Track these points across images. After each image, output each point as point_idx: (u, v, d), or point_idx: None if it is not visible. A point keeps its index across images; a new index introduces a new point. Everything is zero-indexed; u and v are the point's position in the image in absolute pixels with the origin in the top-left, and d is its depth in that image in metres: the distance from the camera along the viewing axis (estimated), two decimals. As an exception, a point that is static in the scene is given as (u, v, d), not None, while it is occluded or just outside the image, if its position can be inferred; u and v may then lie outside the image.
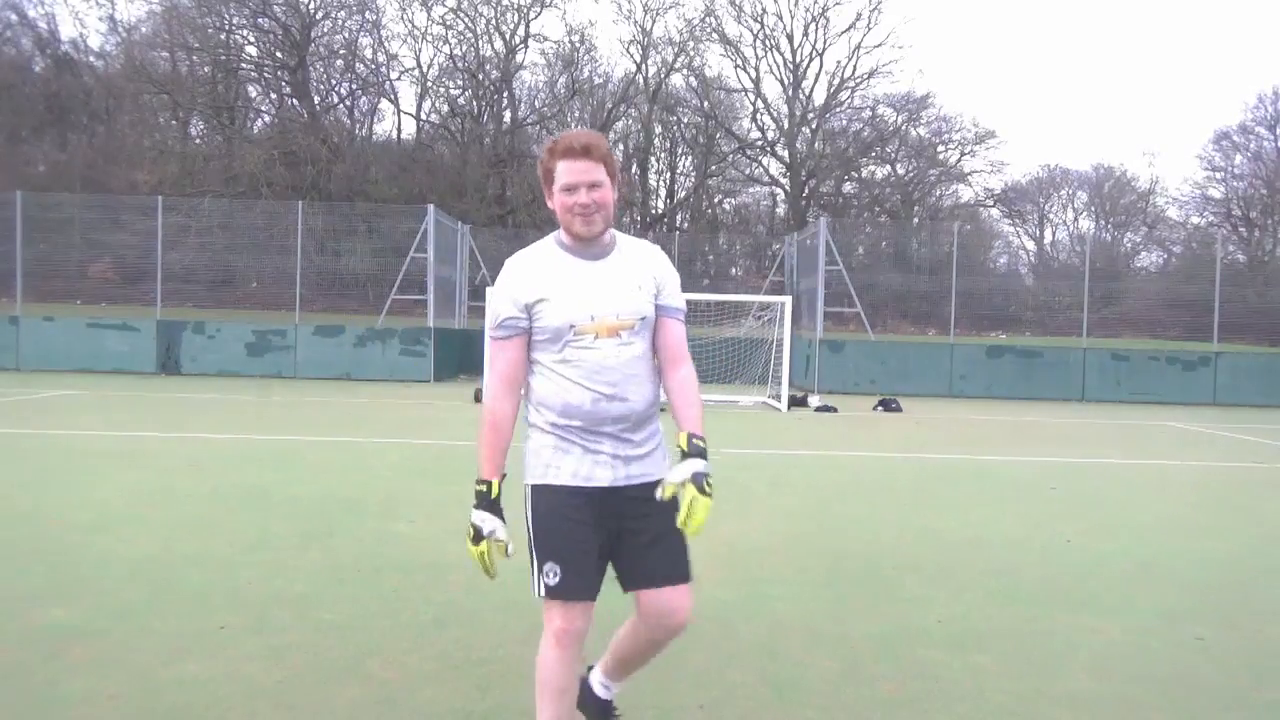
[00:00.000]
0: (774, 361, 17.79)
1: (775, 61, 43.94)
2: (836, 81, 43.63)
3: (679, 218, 43.95)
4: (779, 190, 45.52)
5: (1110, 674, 3.60)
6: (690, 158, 44.70)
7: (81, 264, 24.10)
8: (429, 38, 40.98)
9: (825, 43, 43.17)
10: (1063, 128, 72.70)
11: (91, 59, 39.90)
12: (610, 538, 2.44)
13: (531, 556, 2.52)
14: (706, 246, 34.54)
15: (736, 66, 44.01)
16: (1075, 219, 49.88)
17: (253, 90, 40.17)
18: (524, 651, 3.65)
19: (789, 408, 16.45)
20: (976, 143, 44.72)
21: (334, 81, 40.22)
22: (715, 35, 42.74)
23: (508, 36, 39.66)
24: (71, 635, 3.67)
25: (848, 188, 45.75)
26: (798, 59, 43.37)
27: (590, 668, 2.72)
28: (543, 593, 2.46)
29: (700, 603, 4.28)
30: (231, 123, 38.41)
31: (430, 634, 3.82)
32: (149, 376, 19.73)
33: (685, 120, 43.99)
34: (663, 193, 45.32)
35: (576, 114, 41.96)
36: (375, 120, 42.44)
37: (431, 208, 22.00)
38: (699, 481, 2.26)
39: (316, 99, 39.33)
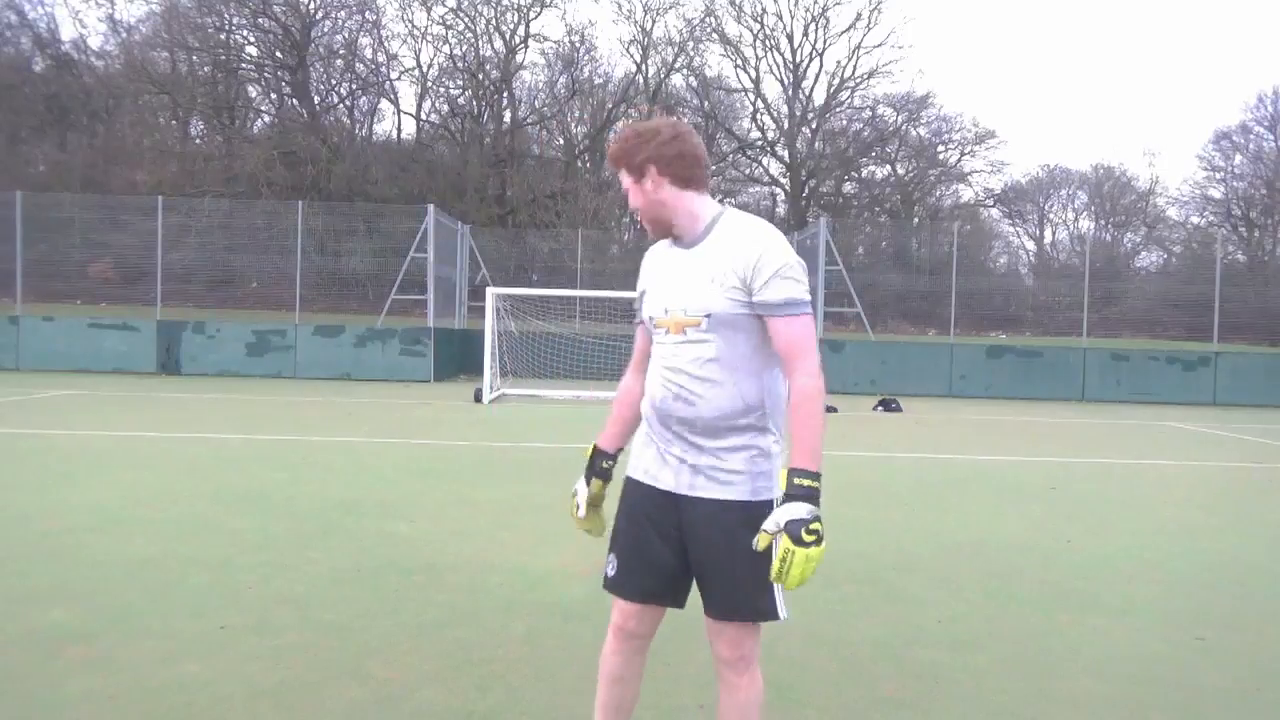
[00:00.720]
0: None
1: (775, 61, 44.01)
2: (836, 81, 43.72)
3: (679, 217, 43.87)
4: (779, 190, 45.59)
5: (1111, 674, 3.60)
6: (690, 157, 44.66)
7: (81, 264, 24.09)
8: (429, 38, 41.01)
9: (825, 43, 43.24)
10: (1063, 128, 72.76)
11: (91, 59, 39.94)
12: (678, 540, 2.25)
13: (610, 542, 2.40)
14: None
15: (736, 66, 44.08)
16: (1075, 219, 49.94)
17: (253, 90, 40.22)
18: (524, 651, 3.65)
19: (789, 408, 16.43)
20: (976, 143, 44.81)
21: (334, 81, 40.26)
22: (715, 35, 42.81)
23: (508, 36, 39.69)
24: (71, 636, 3.66)
25: (848, 188, 45.79)
26: (798, 59, 43.43)
27: None
28: (603, 581, 2.38)
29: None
30: (231, 123, 38.41)
31: (430, 634, 3.82)
32: (149, 376, 19.73)
33: (685, 120, 43.96)
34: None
35: (576, 114, 42.01)
36: (375, 120, 42.51)
37: (431, 208, 22.00)
38: (794, 531, 2.04)
39: (316, 99, 39.37)
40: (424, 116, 41.59)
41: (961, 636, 3.99)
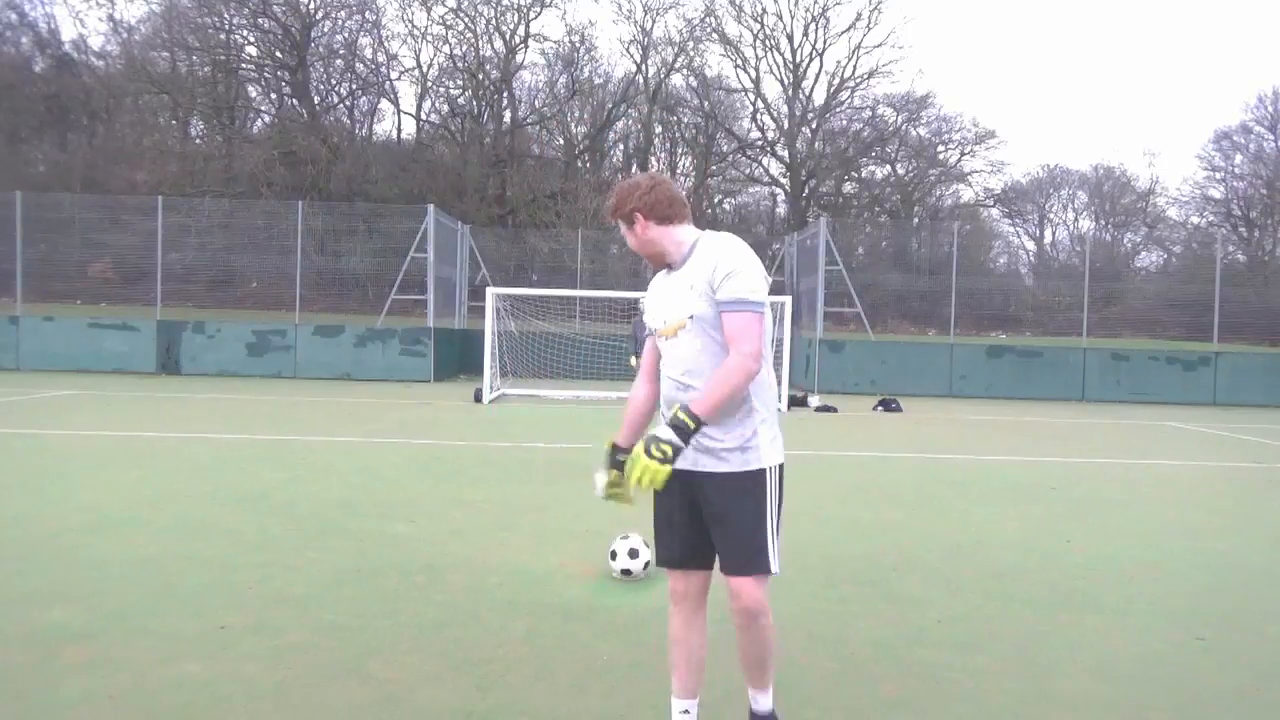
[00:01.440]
0: (773, 361, 17.78)
1: (775, 61, 44.01)
2: (836, 81, 43.72)
3: (679, 218, 43.87)
4: (779, 190, 45.59)
5: (1111, 675, 3.60)
6: (690, 158, 44.74)
7: (81, 264, 24.08)
8: (429, 38, 40.99)
9: (825, 43, 43.25)
10: (1063, 128, 72.74)
11: (91, 59, 39.94)
12: (695, 512, 2.69)
13: None
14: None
15: (736, 66, 44.09)
16: (1075, 219, 49.95)
17: (253, 90, 40.20)
18: (524, 651, 3.65)
19: (789, 408, 16.44)
20: (976, 143, 44.80)
21: (334, 81, 40.26)
22: (715, 35, 42.81)
23: (508, 36, 39.69)
24: (71, 636, 3.66)
25: (848, 188, 45.79)
26: (798, 59, 43.43)
27: (752, 698, 2.86)
28: (658, 557, 2.86)
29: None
30: (231, 123, 38.41)
31: (430, 634, 3.82)
32: (149, 376, 19.73)
33: (685, 120, 44.01)
34: (663, 193, 45.27)
35: (576, 114, 42.01)
36: (375, 120, 42.50)
37: (431, 208, 22.00)
38: (646, 443, 2.45)
39: (316, 99, 39.36)
40: (424, 116, 41.65)
41: (961, 636, 4.00)
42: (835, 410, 16.36)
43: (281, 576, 4.59)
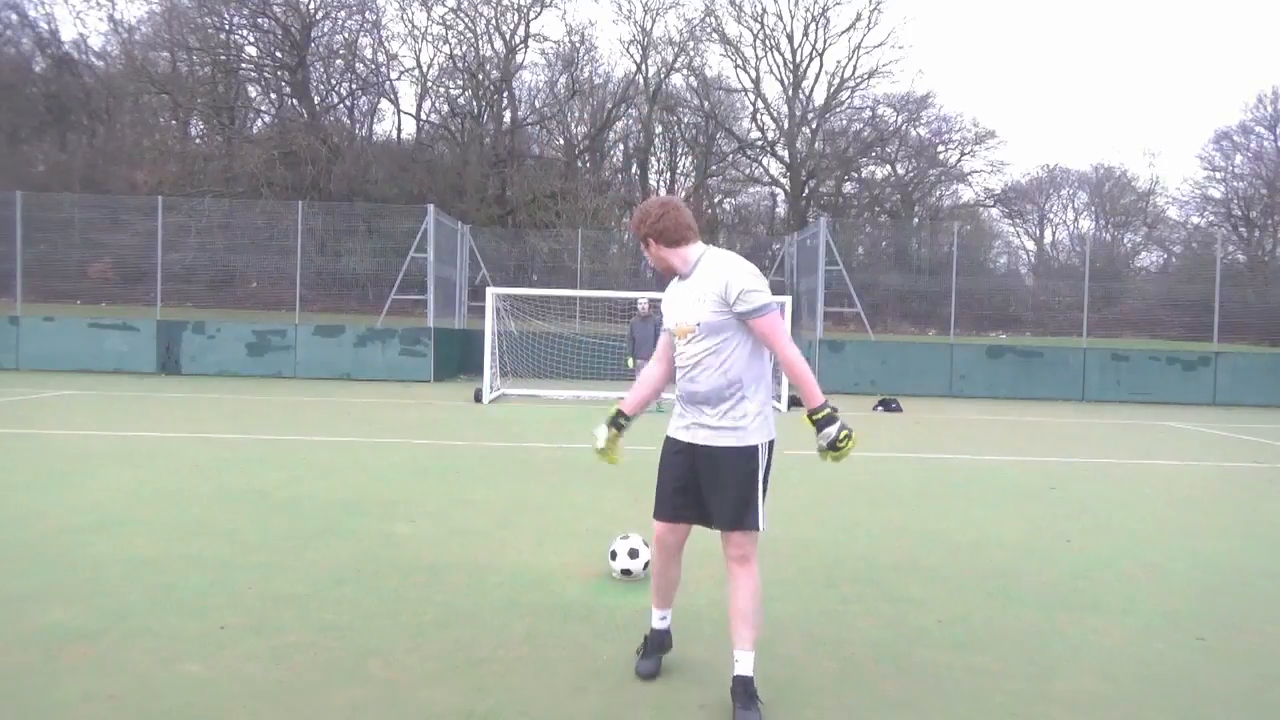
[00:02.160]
0: (773, 361, 17.78)
1: (775, 61, 44.02)
2: (836, 81, 43.71)
3: (679, 218, 43.86)
4: (779, 190, 45.58)
5: (1111, 674, 3.60)
6: (690, 158, 44.74)
7: (81, 264, 24.10)
8: (429, 38, 41.13)
9: (825, 43, 43.25)
10: (1063, 128, 72.71)
11: (92, 59, 39.94)
12: (696, 479, 3.24)
13: None
14: (706, 246, 34.49)
15: (736, 66, 44.10)
16: (1075, 219, 49.95)
17: (253, 90, 40.19)
18: (524, 651, 3.65)
19: (789, 408, 16.44)
20: (976, 143, 44.80)
21: (334, 81, 40.24)
22: (715, 35, 42.83)
23: (508, 36, 39.69)
24: (71, 636, 3.67)
25: (848, 188, 45.79)
26: (798, 59, 43.43)
27: (735, 659, 3.25)
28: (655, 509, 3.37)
29: (700, 603, 4.30)
30: (231, 123, 38.40)
31: (430, 634, 3.82)
32: (149, 376, 19.73)
33: (685, 120, 44.02)
34: (663, 192, 45.32)
35: (576, 114, 42.00)
36: (375, 120, 42.51)
37: (431, 208, 22.00)
38: (831, 443, 3.19)
39: (316, 99, 39.34)
40: (424, 116, 41.64)
41: (961, 637, 4.00)
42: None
43: (281, 576, 4.59)
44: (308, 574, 4.66)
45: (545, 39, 41.77)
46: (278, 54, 38.14)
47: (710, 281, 3.16)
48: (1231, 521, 6.94)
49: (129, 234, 23.28)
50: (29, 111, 36.72)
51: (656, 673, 3.43)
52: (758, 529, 3.19)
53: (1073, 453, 11.06)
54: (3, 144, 34.96)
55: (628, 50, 44.02)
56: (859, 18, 43.02)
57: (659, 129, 43.65)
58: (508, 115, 40.80)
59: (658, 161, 44.77)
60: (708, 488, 3.20)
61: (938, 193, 46.35)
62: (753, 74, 43.70)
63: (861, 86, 43.73)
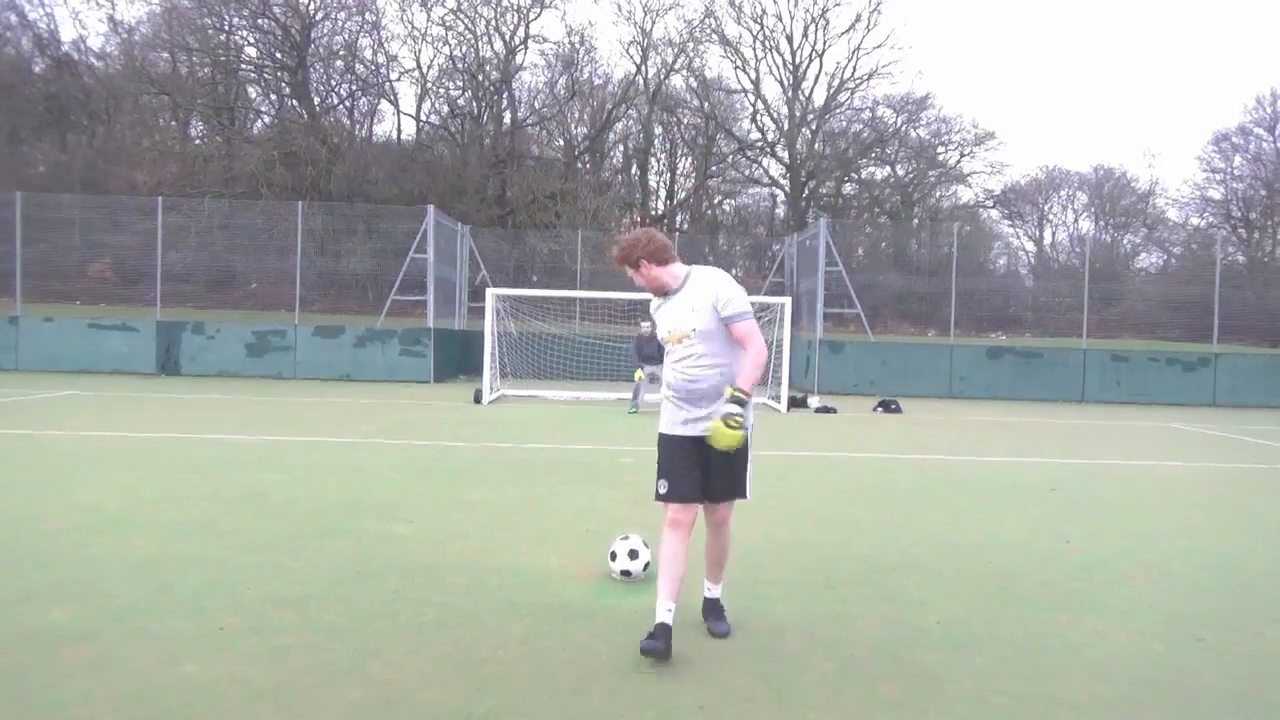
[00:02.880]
0: (774, 362, 17.80)
1: (775, 62, 44.02)
2: (836, 82, 43.71)
3: (679, 219, 43.96)
4: (779, 191, 45.56)
5: (1111, 676, 3.60)
6: (690, 158, 44.73)
7: (81, 264, 24.10)
8: (429, 38, 41.15)
9: (825, 44, 43.24)
10: (1063, 128, 72.72)
11: (91, 60, 39.93)
12: (702, 463, 3.74)
13: (657, 473, 3.82)
14: (706, 247, 34.55)
15: (736, 67, 44.09)
16: (1075, 220, 49.94)
17: (252, 91, 40.16)
18: (524, 652, 3.65)
19: (789, 409, 16.44)
20: (976, 144, 44.81)
21: (334, 82, 40.21)
22: (715, 36, 42.80)
23: (507, 37, 39.68)
24: (69, 637, 3.66)
25: (847, 189, 45.79)
26: (797, 60, 43.43)
27: (708, 589, 4.05)
28: (657, 496, 3.78)
29: (700, 604, 4.30)
30: (231, 123, 38.38)
31: (430, 635, 3.82)
32: (149, 377, 19.73)
33: (685, 121, 44.01)
34: (662, 194, 45.37)
35: (576, 115, 41.99)
36: (375, 121, 42.46)
37: (431, 208, 22.01)
38: (726, 417, 3.54)
39: (316, 100, 39.32)
40: (424, 117, 41.62)
41: (961, 637, 3.99)
42: (835, 411, 16.36)
43: (281, 577, 4.59)
44: (307, 575, 4.65)
45: (545, 40, 41.81)
46: (277, 55, 38.14)
47: (702, 293, 3.71)
48: (1231, 522, 6.94)
49: (129, 234, 23.29)
50: (29, 112, 36.72)
51: (668, 656, 3.55)
52: (747, 498, 3.87)
53: (1073, 454, 11.06)
54: (3, 144, 34.95)
55: (627, 51, 44.10)
56: (858, 19, 43.10)
57: (659, 130, 43.66)
58: (507, 116, 40.80)
59: (657, 162, 44.80)
60: (715, 469, 3.73)
61: (937, 194, 46.38)
62: (752, 75, 43.75)
63: (861, 87, 43.78)
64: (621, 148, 44.05)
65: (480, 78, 39.53)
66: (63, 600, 4.12)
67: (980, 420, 15.64)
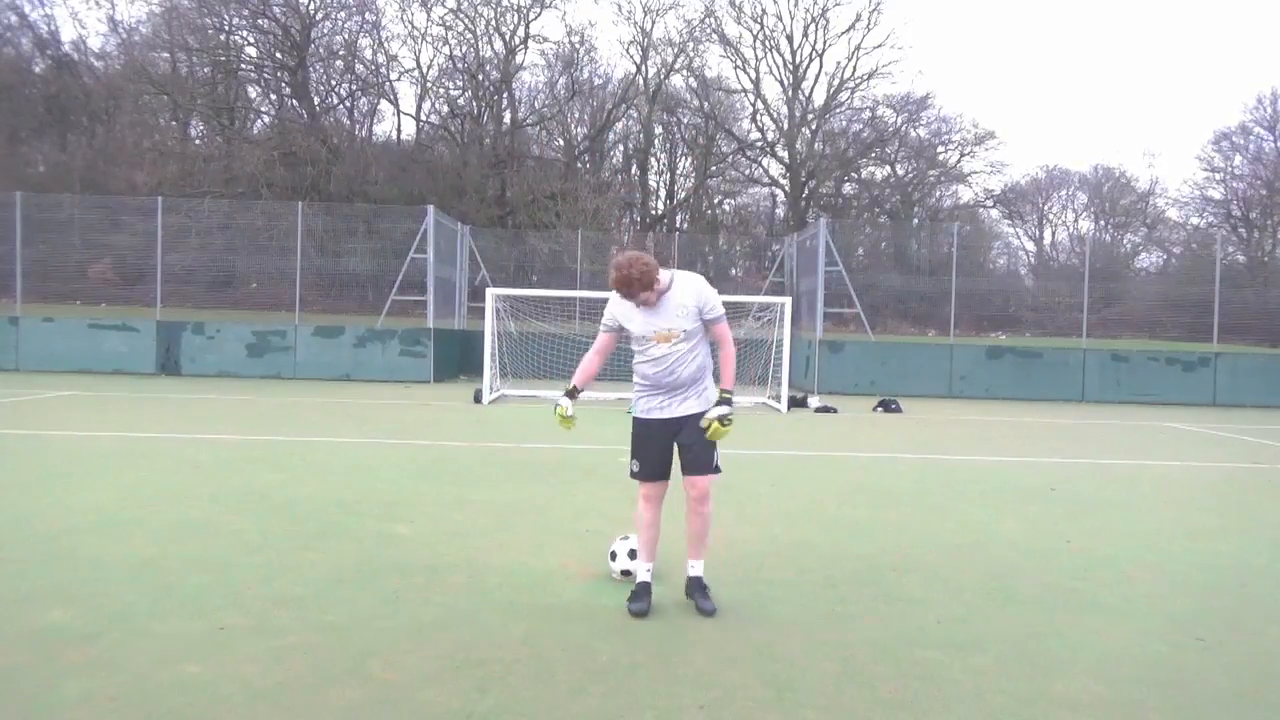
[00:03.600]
0: (774, 362, 17.80)
1: (775, 62, 44.02)
2: (836, 82, 43.72)
3: (679, 218, 43.99)
4: (779, 191, 45.58)
5: (1111, 676, 3.60)
6: (690, 158, 44.73)
7: (81, 264, 24.09)
8: (429, 38, 41.08)
9: (825, 44, 43.25)
10: (1063, 128, 72.74)
11: (91, 60, 39.95)
12: (672, 444, 4.29)
13: (630, 454, 4.37)
14: (706, 247, 34.54)
15: (736, 67, 44.11)
16: (1075, 220, 49.95)
17: (252, 91, 40.17)
18: (524, 652, 3.65)
19: (789, 409, 16.44)
20: (976, 144, 44.83)
21: (334, 82, 40.21)
22: (715, 36, 42.82)
23: (507, 37, 39.68)
24: (70, 637, 3.66)
25: (847, 188, 45.80)
26: (797, 60, 43.43)
27: (690, 566, 4.39)
28: (631, 474, 4.38)
29: (695, 620, 4.29)
30: (231, 124, 38.38)
31: (430, 635, 3.82)
32: (149, 377, 19.73)
33: (685, 121, 44.02)
34: (662, 193, 45.40)
35: (576, 115, 42.00)
36: (375, 121, 42.49)
37: (431, 208, 22.01)
38: (720, 417, 4.18)
39: (316, 100, 39.33)
40: (424, 117, 41.64)
41: (961, 637, 4.00)
42: (835, 411, 16.36)
43: (281, 577, 4.59)
44: (307, 574, 4.66)
45: (545, 40, 41.80)
46: (277, 55, 38.14)
47: (687, 298, 4.17)
48: (1231, 521, 6.94)
49: (129, 234, 23.29)
50: (29, 112, 36.72)
51: (648, 611, 4.17)
52: (719, 472, 4.31)
53: (1072, 453, 11.06)
54: (3, 145, 34.95)
55: (627, 51, 44.11)
56: (859, 18, 43.18)
57: (659, 130, 43.67)
58: (507, 116, 40.81)
59: (657, 162, 44.81)
60: (689, 445, 4.24)
61: (937, 193, 46.40)
62: (752, 75, 43.75)
63: (861, 87, 43.78)
64: (621, 148, 44.10)
65: (480, 78, 39.53)
66: (63, 600, 4.12)
67: (980, 420, 15.65)
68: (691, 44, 42.20)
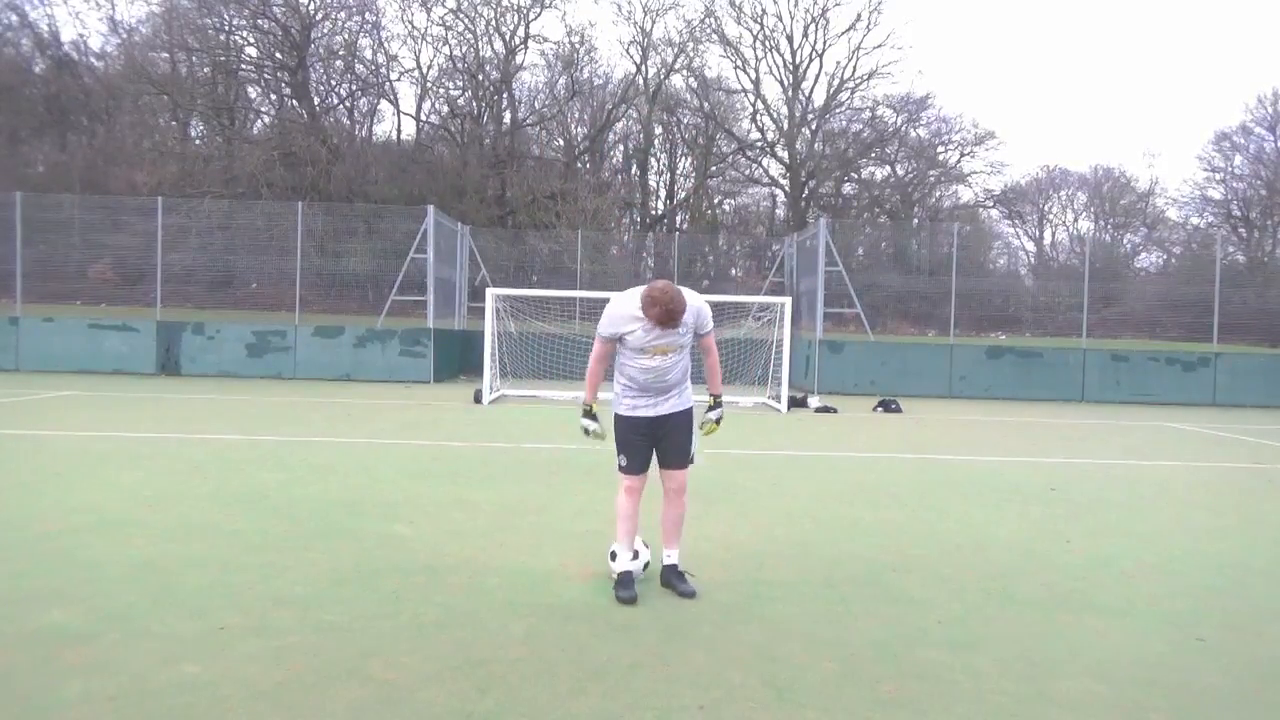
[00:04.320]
0: (774, 362, 17.80)
1: (775, 62, 44.00)
2: (836, 82, 43.69)
3: (679, 218, 43.97)
4: (779, 191, 45.55)
5: (1111, 675, 3.60)
6: (690, 158, 44.71)
7: (81, 265, 24.09)
8: (429, 38, 41.01)
9: (825, 44, 43.21)
10: (1063, 128, 72.73)
11: (91, 60, 39.93)
12: (655, 440, 4.59)
13: (617, 449, 4.61)
14: (706, 247, 34.55)
15: (736, 67, 44.07)
16: (1075, 220, 49.95)
17: (252, 91, 40.15)
18: (524, 652, 3.65)
19: (789, 409, 16.44)
20: (976, 144, 44.80)
21: (334, 82, 40.19)
22: (715, 36, 42.77)
23: (507, 37, 39.67)
24: (70, 637, 3.66)
25: (847, 188, 45.78)
26: (797, 60, 43.41)
27: (666, 555, 4.65)
28: (618, 468, 4.60)
29: (700, 604, 4.31)
30: (231, 124, 38.37)
31: (430, 635, 3.82)
32: (149, 377, 19.73)
33: (685, 121, 44.00)
34: (662, 193, 45.36)
35: (576, 115, 41.99)
36: (375, 121, 42.44)
37: (431, 209, 22.00)
38: (716, 422, 4.79)
39: (316, 100, 39.31)
40: (424, 117, 41.61)
41: (961, 637, 4.00)
42: (835, 411, 16.36)
43: (281, 577, 4.59)
44: (308, 574, 4.66)
45: (545, 40, 41.73)
46: (277, 55, 38.12)
47: (688, 316, 4.40)
48: (1231, 521, 6.94)
49: (129, 235, 23.28)
50: (29, 112, 36.71)
51: (636, 599, 4.37)
52: (693, 462, 4.67)
53: (1072, 453, 11.06)
54: (3, 145, 34.95)
55: (627, 51, 44.06)
56: (859, 19, 43.12)
57: (659, 130, 43.65)
58: (507, 116, 40.80)
59: (657, 162, 44.79)
60: (670, 440, 4.57)
61: (937, 193, 46.38)
62: (752, 75, 43.72)
63: (861, 87, 43.75)
64: (621, 148, 44.08)
65: (480, 78, 39.52)
66: (64, 600, 4.12)
67: (980, 420, 15.64)
68: (691, 44, 42.21)
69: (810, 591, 4.65)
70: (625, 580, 4.45)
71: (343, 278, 26.13)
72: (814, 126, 44.03)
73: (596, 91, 41.86)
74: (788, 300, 18.21)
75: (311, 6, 37.53)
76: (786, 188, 44.23)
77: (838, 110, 44.14)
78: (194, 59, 37.20)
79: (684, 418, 4.59)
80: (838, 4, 42.52)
